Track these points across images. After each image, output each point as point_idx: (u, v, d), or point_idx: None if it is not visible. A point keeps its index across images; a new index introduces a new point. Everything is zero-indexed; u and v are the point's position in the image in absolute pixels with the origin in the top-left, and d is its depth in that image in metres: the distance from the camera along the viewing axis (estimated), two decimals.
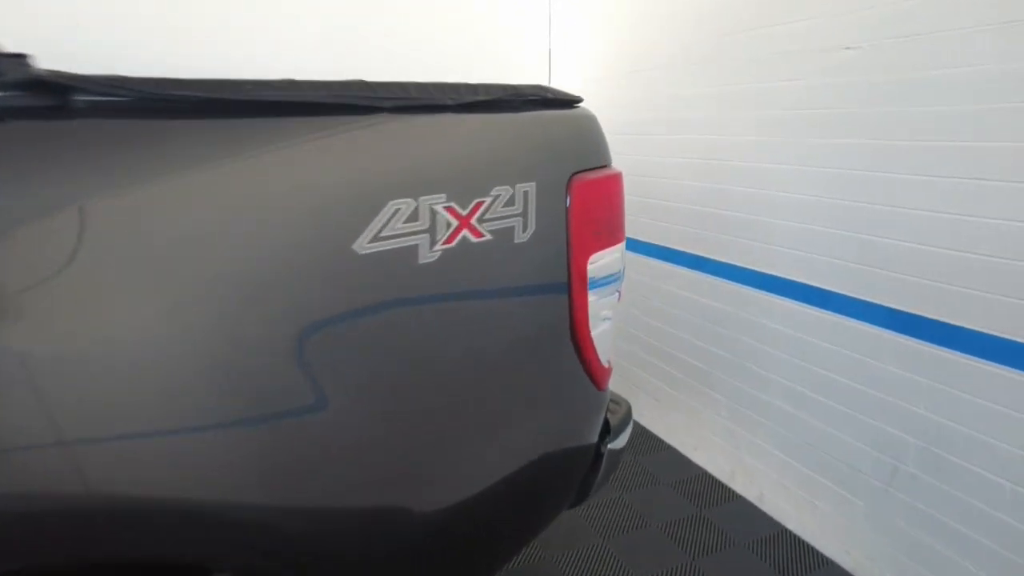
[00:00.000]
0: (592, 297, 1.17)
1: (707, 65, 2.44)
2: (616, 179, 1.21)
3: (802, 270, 2.12)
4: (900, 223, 1.80)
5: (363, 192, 0.83)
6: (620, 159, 3.00)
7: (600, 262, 1.18)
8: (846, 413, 2.02)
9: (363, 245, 0.82)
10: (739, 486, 2.49)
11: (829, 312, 2.04)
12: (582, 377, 1.21)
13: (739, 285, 2.37)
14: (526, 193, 1.00)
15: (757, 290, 2.30)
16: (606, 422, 1.37)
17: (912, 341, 1.81)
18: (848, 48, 1.91)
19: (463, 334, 0.96)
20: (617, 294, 1.29)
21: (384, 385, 0.89)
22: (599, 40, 3.09)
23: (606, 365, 1.28)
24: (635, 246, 2.92)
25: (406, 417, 0.93)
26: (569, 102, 1.15)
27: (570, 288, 1.11)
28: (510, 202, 0.98)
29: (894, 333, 1.85)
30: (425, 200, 0.88)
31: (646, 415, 3.01)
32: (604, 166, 1.20)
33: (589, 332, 1.17)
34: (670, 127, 2.66)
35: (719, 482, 2.56)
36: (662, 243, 2.75)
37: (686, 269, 2.63)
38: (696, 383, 2.66)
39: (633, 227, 2.92)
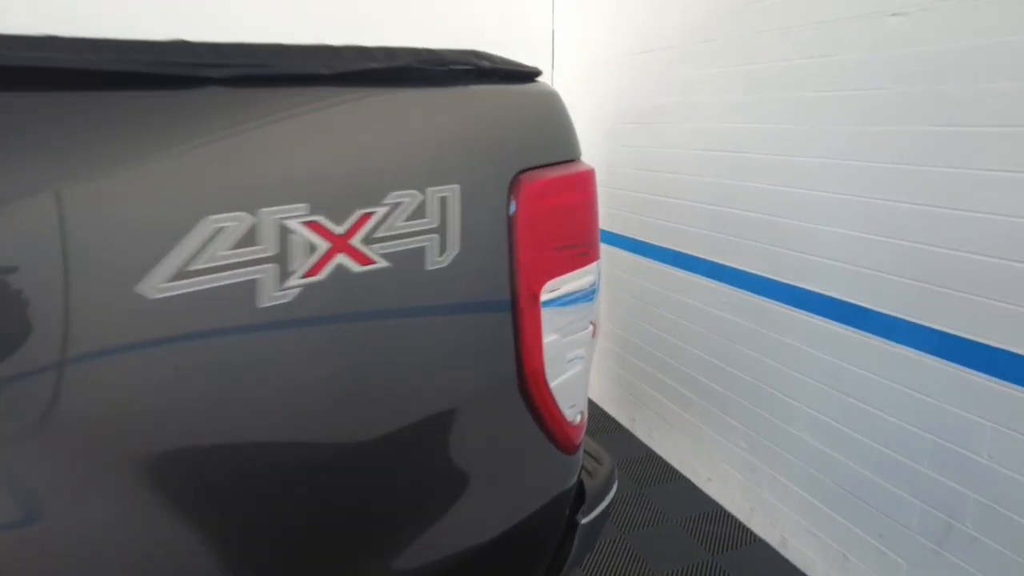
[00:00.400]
0: (552, 336, 0.88)
1: (726, 42, 2.11)
2: (586, 178, 0.91)
3: (837, 283, 1.79)
4: (963, 230, 1.46)
5: (160, 204, 0.54)
6: (628, 151, 2.69)
7: (563, 289, 0.88)
8: (888, 455, 1.69)
9: (156, 285, 0.54)
10: (758, 527, 2.17)
11: (868, 334, 1.71)
12: (540, 440, 0.92)
13: (762, 298, 2.05)
14: (444, 200, 0.71)
15: (783, 304, 1.97)
16: (581, 487, 1.07)
17: (973, 374, 1.47)
18: (895, 14, 1.57)
19: (344, 406, 0.67)
20: (591, 327, 0.99)
21: (207, 491, 0.60)
22: (607, 17, 2.76)
23: (576, 420, 0.98)
24: (644, 249, 2.61)
25: (255, 520, 0.65)
26: (520, 74, 0.86)
27: (517, 328, 0.82)
28: (418, 213, 0.69)
29: (950, 363, 1.52)
30: (271, 213, 0.59)
31: (655, 438, 2.70)
32: (570, 160, 0.90)
33: (546, 384, 0.87)
34: (684, 114, 2.33)
35: (736, 520, 2.24)
36: (674, 247, 2.43)
37: (702, 277, 2.31)
38: (711, 407, 2.34)
39: (642, 228, 2.61)
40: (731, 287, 2.18)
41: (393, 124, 0.70)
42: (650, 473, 2.55)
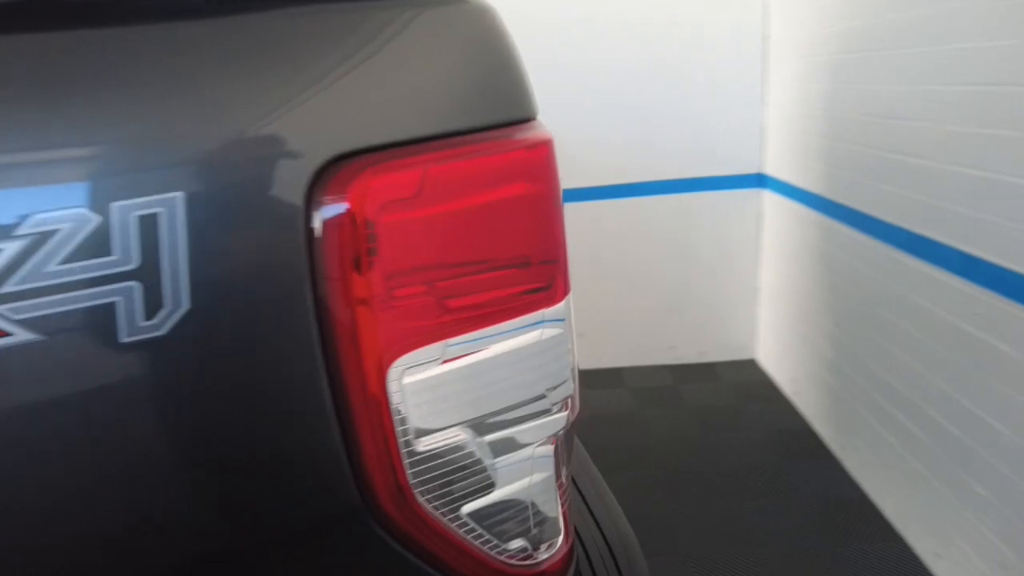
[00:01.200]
0: (459, 434, 0.53)
1: None
2: (534, 159, 0.52)
3: None
4: None
5: None
6: (853, 90, 2.00)
7: (488, 352, 0.52)
8: None
9: None
10: None
11: None
12: None
13: None
14: (151, 220, 0.41)
15: None
16: None
17: None
18: None
19: None
20: (566, 407, 0.60)
21: None
22: None
23: (543, 553, 0.61)
24: (870, 225, 1.91)
25: None
26: None
27: (348, 424, 0.49)
28: (92, 248, 0.40)
29: None
30: None
31: (870, 478, 2.04)
32: (506, 125, 0.52)
33: (417, 506, 0.52)
34: (935, 33, 1.58)
35: None
36: (912, 227, 1.72)
37: (949, 274, 1.59)
38: (948, 459, 1.64)
39: (869, 196, 1.92)
40: (995, 294, 1.45)
41: (26, 95, 0.41)
42: (855, 524, 1.93)
